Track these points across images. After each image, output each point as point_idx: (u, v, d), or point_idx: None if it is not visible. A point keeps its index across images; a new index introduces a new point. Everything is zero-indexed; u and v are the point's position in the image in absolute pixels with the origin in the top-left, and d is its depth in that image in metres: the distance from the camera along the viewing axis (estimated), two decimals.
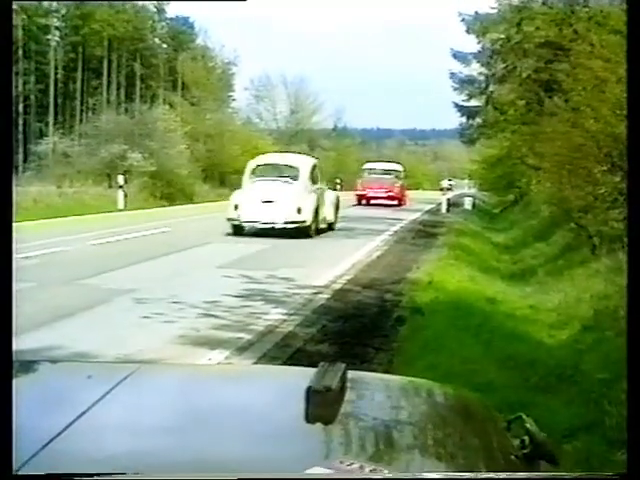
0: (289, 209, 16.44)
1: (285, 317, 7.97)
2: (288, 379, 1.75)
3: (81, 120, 45.95)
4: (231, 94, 56.08)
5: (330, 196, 19.02)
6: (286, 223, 16.39)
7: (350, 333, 7.24)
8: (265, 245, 14.59)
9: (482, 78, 27.72)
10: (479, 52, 27.19)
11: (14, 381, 1.46)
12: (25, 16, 45.25)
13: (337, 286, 10.05)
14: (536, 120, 16.80)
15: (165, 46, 55.79)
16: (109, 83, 51.91)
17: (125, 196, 24.79)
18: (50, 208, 22.12)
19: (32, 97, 48.71)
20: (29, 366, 1.78)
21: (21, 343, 5.05)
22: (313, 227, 16.98)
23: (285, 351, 6.54)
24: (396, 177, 35.30)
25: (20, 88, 44.98)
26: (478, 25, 25.52)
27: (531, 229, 18.02)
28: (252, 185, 17.23)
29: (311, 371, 1.45)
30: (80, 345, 6.30)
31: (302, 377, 1.43)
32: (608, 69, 9.02)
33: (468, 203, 32.77)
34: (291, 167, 17.84)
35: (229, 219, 16.81)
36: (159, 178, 31.06)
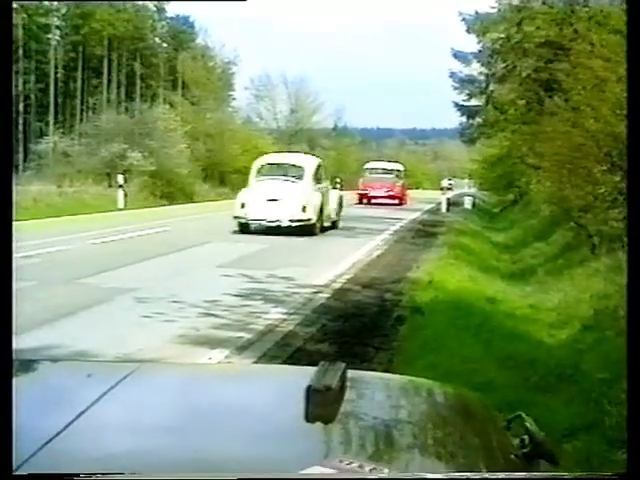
0: (294, 207, 16.76)
1: (285, 316, 7.97)
2: (288, 378, 1.75)
3: (81, 119, 45.94)
4: (231, 93, 56.14)
5: (334, 195, 19.38)
6: (291, 221, 16.71)
7: (350, 332, 7.24)
8: (264, 245, 14.60)
9: (482, 78, 27.72)
10: (479, 52, 27.18)
11: (14, 380, 1.46)
12: (25, 15, 45.25)
13: (337, 285, 10.06)
14: (536, 119, 16.79)
15: (165, 45, 55.75)
16: (109, 82, 51.87)
17: (125, 195, 24.81)
18: (50, 207, 22.11)
19: (32, 96, 48.67)
20: (29, 365, 1.78)
21: (21, 342, 5.06)
22: (318, 225, 17.32)
23: (285, 350, 6.54)
24: (397, 176, 35.70)
25: (20, 87, 44.94)
26: (478, 25, 25.50)
27: (531, 228, 18.02)
28: (258, 184, 17.58)
29: (311, 370, 1.45)
30: (80, 344, 6.30)
31: (302, 376, 1.43)
32: (608, 69, 9.02)
33: (468, 202, 32.78)
34: (296, 166, 18.21)
35: (236, 217, 17.13)
36: (159, 177, 31.07)
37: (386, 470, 1.17)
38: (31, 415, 1.31)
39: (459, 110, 31.34)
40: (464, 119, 32.01)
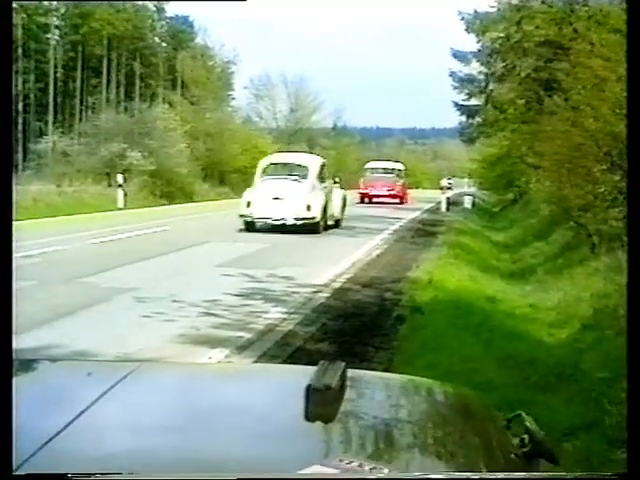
0: (299, 206, 17.07)
1: (285, 316, 7.97)
2: (288, 378, 1.75)
3: (81, 119, 45.91)
4: (231, 93, 56.09)
5: (338, 194, 19.67)
6: (296, 220, 17.05)
7: (350, 332, 7.24)
8: (265, 244, 14.61)
9: (482, 77, 27.70)
10: (479, 51, 27.16)
11: (14, 380, 1.46)
12: (25, 15, 45.21)
13: (337, 285, 10.06)
14: (536, 119, 16.78)
15: (165, 45, 55.73)
16: (109, 82, 51.84)
17: (125, 195, 24.82)
18: (50, 207, 22.11)
19: (32, 96, 48.63)
20: (29, 365, 1.78)
21: (21, 342, 5.05)
22: (322, 224, 17.62)
23: (285, 350, 6.54)
24: (398, 176, 36.09)
25: (20, 87, 44.92)
26: (478, 24, 25.47)
27: (531, 228, 18.02)
28: (263, 183, 17.92)
29: (311, 369, 1.45)
30: (80, 344, 6.30)
31: (302, 375, 1.43)
32: (608, 68, 9.01)
33: (468, 202, 32.78)
34: (301, 166, 18.55)
35: (241, 215, 17.45)
36: (159, 177, 31.06)
37: (386, 469, 1.17)
38: (31, 415, 1.30)
39: (459, 109, 31.34)
40: (464, 118, 32.05)
